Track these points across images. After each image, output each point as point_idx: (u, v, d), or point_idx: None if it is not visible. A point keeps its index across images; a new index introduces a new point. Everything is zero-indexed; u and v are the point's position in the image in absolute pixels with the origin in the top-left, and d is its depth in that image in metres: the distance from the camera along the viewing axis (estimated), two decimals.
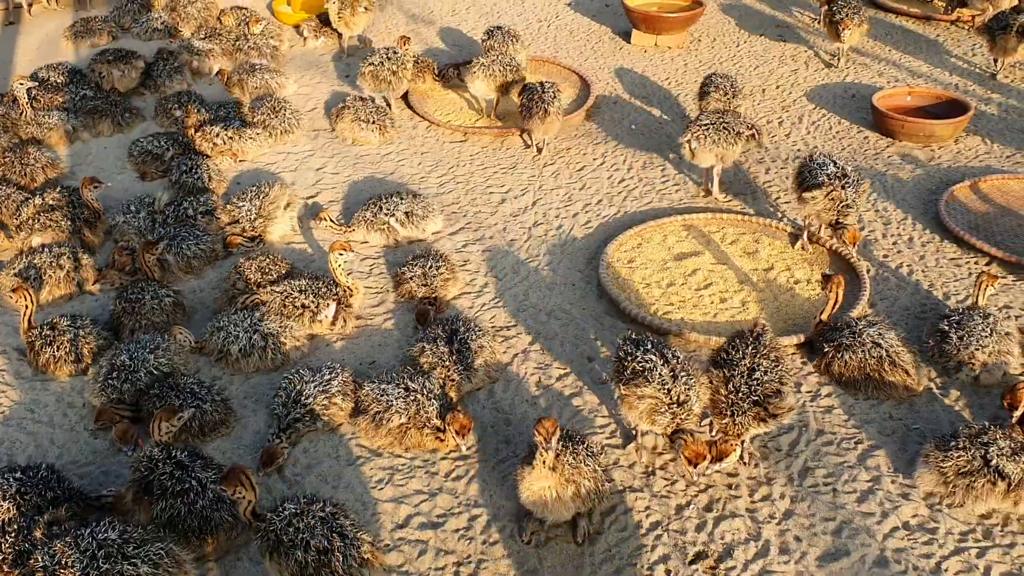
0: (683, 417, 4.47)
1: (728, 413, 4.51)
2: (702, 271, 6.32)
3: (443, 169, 7.74)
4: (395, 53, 8.56)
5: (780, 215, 6.92)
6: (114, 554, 3.63)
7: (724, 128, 6.84)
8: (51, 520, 3.95)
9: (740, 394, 4.47)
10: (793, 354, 5.51)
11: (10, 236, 6.72)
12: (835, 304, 5.39)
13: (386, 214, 6.70)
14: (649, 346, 4.62)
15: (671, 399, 4.46)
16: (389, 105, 8.52)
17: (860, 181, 6.20)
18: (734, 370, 4.52)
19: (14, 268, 6.14)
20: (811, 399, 5.17)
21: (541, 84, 7.69)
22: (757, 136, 6.99)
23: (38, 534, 3.85)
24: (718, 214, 6.88)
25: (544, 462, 4.03)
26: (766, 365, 4.50)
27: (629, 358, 4.60)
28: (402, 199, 6.77)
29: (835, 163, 6.23)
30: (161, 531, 4.12)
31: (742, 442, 4.59)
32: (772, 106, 8.64)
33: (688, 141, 6.89)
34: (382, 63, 8.44)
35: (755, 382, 4.47)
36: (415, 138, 8.27)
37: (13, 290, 5.48)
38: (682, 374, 4.50)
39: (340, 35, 9.94)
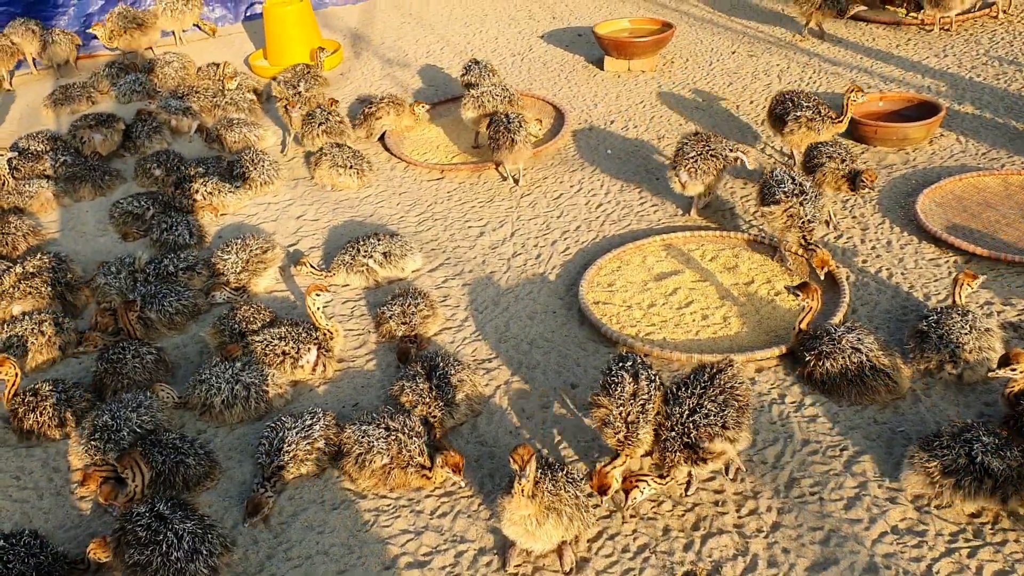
0: (627, 438, 4.46)
1: (660, 448, 4.49)
2: (683, 289, 6.32)
3: (421, 207, 7.78)
4: (327, 114, 8.80)
5: (759, 228, 6.92)
6: None
7: (712, 156, 6.89)
8: None
9: (674, 432, 4.42)
10: (776, 366, 5.49)
11: None
12: (812, 312, 5.38)
13: (364, 256, 6.72)
14: (629, 364, 4.62)
15: (620, 416, 4.47)
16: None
17: (819, 196, 6.23)
18: (678, 407, 4.46)
19: None
20: (795, 409, 5.13)
21: (507, 115, 7.76)
22: (744, 160, 7.03)
23: None
24: (697, 232, 6.88)
25: (522, 490, 4.00)
26: (710, 407, 4.41)
27: (608, 373, 4.65)
28: (380, 240, 6.80)
29: (793, 179, 6.27)
30: None
31: (663, 478, 4.52)
32: (747, 121, 8.67)
33: (678, 175, 6.93)
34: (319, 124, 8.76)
35: (691, 424, 4.39)
36: (393, 179, 8.32)
37: None
38: (643, 397, 4.48)
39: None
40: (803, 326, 5.42)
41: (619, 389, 4.51)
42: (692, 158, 6.89)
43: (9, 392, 5.54)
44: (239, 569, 4.47)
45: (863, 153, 7.83)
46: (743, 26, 11.14)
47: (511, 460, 3.92)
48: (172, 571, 4.13)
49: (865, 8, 10.37)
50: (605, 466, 4.50)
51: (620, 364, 4.64)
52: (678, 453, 4.39)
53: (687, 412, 4.40)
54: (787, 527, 4.41)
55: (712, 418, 4.37)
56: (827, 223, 6.74)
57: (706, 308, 6.11)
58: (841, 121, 7.37)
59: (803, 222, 6.12)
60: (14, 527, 4.83)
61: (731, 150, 7.02)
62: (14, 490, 5.17)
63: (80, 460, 5.20)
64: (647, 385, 4.52)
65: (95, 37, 11.94)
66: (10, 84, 11.43)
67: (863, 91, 7.35)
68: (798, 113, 7.33)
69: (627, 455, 4.52)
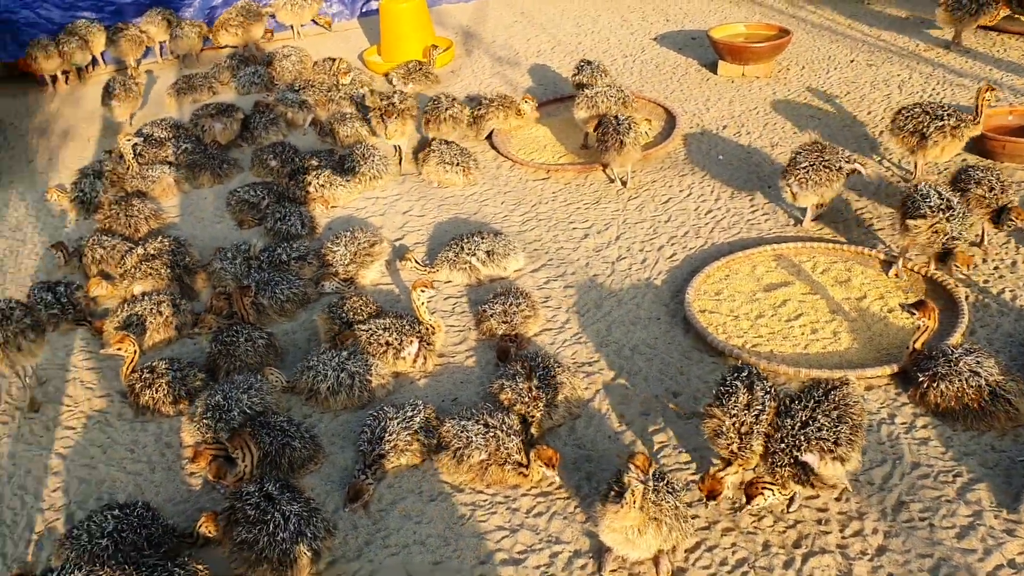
0: (740, 448, 4.39)
1: (768, 464, 4.39)
2: (792, 302, 6.17)
3: (526, 207, 7.81)
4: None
5: (873, 243, 6.71)
6: None
7: (825, 167, 6.71)
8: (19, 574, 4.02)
9: (783, 445, 4.31)
10: (887, 384, 5.31)
11: (113, 283, 7.06)
12: (928, 332, 5.18)
13: (468, 254, 6.78)
14: (744, 375, 4.56)
15: (734, 427, 4.40)
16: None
17: (966, 215, 5.96)
18: (790, 419, 4.35)
19: (118, 316, 6.44)
20: (905, 431, 4.95)
21: (616, 117, 7.71)
22: (862, 172, 6.83)
23: None
24: (809, 243, 6.71)
25: (634, 502, 3.96)
26: (823, 422, 4.28)
27: (722, 383, 4.60)
28: (483, 238, 6.85)
29: (940, 194, 6.02)
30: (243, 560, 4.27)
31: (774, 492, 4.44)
32: (864, 131, 8.41)
33: (789, 184, 6.79)
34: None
35: (802, 437, 4.27)
36: (498, 178, 8.37)
37: (119, 341, 5.74)
38: (757, 408, 4.40)
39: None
40: (918, 346, 5.23)
41: (733, 400, 4.44)
42: (804, 168, 6.72)
43: (128, 368, 5.78)
44: (339, 553, 4.56)
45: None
46: (863, 34, 10.82)
47: (631, 467, 3.87)
48: (277, 551, 4.24)
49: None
50: (719, 471, 4.45)
51: (735, 375, 4.57)
52: (786, 468, 4.29)
53: (798, 425, 4.29)
54: (894, 551, 4.26)
55: (825, 433, 4.24)
56: (978, 244, 6.45)
57: (816, 322, 5.95)
58: (978, 123, 7.07)
59: (947, 239, 5.88)
60: (127, 498, 5.04)
61: (848, 162, 6.83)
62: (128, 462, 5.40)
63: (192, 437, 5.39)
64: (762, 396, 4.44)
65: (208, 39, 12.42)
66: (136, 72, 11.91)
67: (996, 90, 7.04)
68: (941, 123, 7.02)
69: (740, 465, 4.45)
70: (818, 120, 8.75)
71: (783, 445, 4.30)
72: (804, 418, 4.31)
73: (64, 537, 4.59)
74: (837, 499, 4.54)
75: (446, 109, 8.87)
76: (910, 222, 6.00)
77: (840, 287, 6.26)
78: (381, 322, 6.00)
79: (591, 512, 4.57)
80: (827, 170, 6.69)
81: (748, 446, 4.38)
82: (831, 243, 6.70)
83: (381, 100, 8.91)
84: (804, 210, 7.02)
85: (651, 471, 3.95)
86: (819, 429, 4.25)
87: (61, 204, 8.49)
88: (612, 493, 4.10)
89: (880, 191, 7.37)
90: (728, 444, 4.43)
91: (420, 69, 10.56)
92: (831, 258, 6.58)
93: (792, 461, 4.27)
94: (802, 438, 4.26)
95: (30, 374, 5.96)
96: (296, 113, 9.84)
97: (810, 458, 4.21)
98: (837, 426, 4.26)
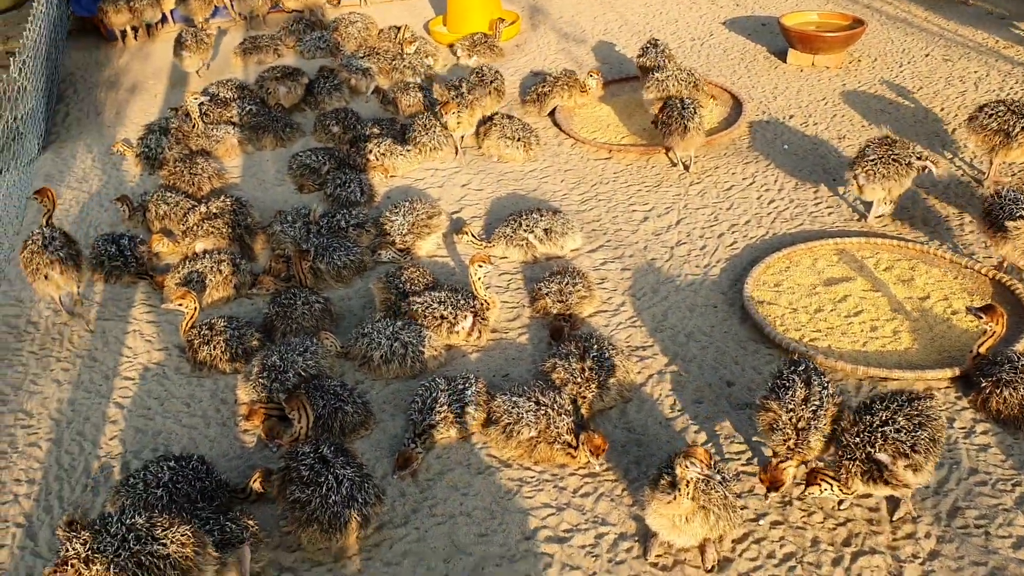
0: (796, 444, 4.36)
1: (839, 455, 4.33)
2: (853, 297, 6.07)
3: (585, 186, 7.76)
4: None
5: (939, 242, 6.56)
6: (143, 536, 3.74)
7: (894, 161, 6.56)
8: (70, 520, 4.09)
9: (858, 439, 4.24)
10: (946, 388, 5.21)
11: (175, 240, 7.17)
12: (995, 337, 5.06)
13: (525, 230, 6.76)
14: (802, 369, 4.52)
15: (790, 422, 4.37)
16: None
17: None
18: (869, 416, 4.28)
19: (179, 272, 6.54)
20: (964, 435, 4.86)
21: (681, 100, 7.61)
22: (932, 170, 6.67)
23: (60, 533, 3.98)
24: (872, 239, 6.58)
25: (688, 494, 3.94)
26: (903, 424, 4.19)
27: (778, 376, 4.56)
28: (542, 216, 6.82)
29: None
30: (294, 519, 4.35)
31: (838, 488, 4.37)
32: (936, 128, 8.21)
33: (856, 177, 6.66)
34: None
35: (879, 435, 4.19)
36: (559, 155, 8.32)
37: (180, 296, 5.83)
38: (814, 404, 4.36)
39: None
40: (982, 350, 5.12)
41: (790, 394, 4.41)
42: (873, 161, 6.59)
43: (187, 323, 5.87)
44: (386, 519, 4.61)
45: None
46: (940, 27, 10.54)
47: (692, 461, 3.84)
48: (328, 514, 4.29)
49: None
50: (781, 462, 4.41)
51: (792, 368, 4.52)
52: (856, 464, 4.22)
53: (878, 423, 4.22)
54: (947, 557, 4.19)
55: (903, 435, 4.16)
56: None
57: (876, 319, 5.85)
58: None
59: None
60: (182, 450, 5.13)
61: (918, 158, 6.67)
62: (184, 416, 5.50)
63: (247, 395, 5.46)
64: (819, 391, 4.39)
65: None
66: (207, 25, 12.02)
67: None
68: None
69: (799, 459, 4.41)
70: (889, 114, 8.56)
71: (858, 440, 4.23)
72: (884, 418, 4.22)
73: (120, 485, 4.69)
74: (895, 512, 4.47)
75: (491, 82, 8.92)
76: (1011, 224, 5.83)
77: (903, 286, 6.14)
78: (436, 295, 6.02)
79: (638, 496, 4.57)
80: (896, 164, 6.55)
81: (805, 441, 4.33)
82: (896, 240, 6.56)
83: (449, 91, 8.87)
84: (869, 205, 6.89)
85: (711, 465, 3.92)
86: (898, 431, 4.18)
87: (127, 158, 8.62)
88: (663, 480, 4.08)
89: (949, 190, 7.20)
90: (784, 440, 4.38)
91: (485, 42, 10.52)
92: (895, 255, 6.46)
93: (864, 457, 4.20)
94: (879, 436, 4.19)
95: (71, 301, 6.30)
96: (359, 80, 9.87)
97: (883, 457, 4.14)
98: (916, 432, 4.17)
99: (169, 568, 3.70)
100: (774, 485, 4.43)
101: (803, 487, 4.41)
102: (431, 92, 9.36)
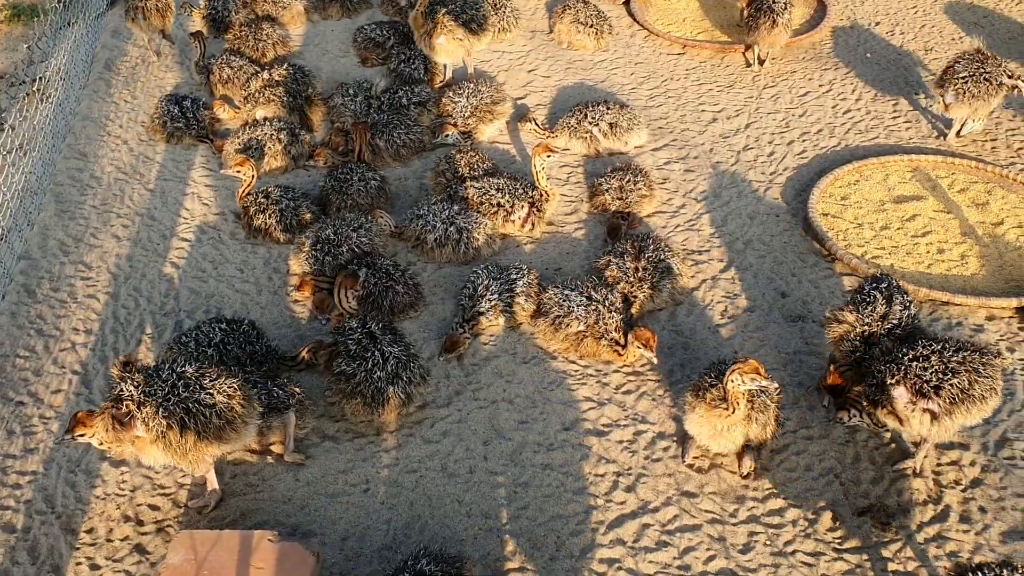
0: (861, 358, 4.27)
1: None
2: (922, 217, 5.86)
3: (655, 81, 7.52)
4: None
5: (1022, 166, 6.28)
6: (192, 385, 3.84)
7: (984, 80, 6.23)
8: (126, 360, 4.19)
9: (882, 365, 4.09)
10: (1011, 318, 5.06)
11: (236, 107, 7.12)
12: None
13: (590, 123, 6.60)
14: (884, 286, 4.40)
15: (860, 333, 4.29)
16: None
17: None
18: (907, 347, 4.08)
19: (239, 138, 6.52)
20: (1022, 368, 4.74)
21: None
22: (1023, 89, 6.33)
23: (115, 372, 4.10)
24: (950, 158, 6.32)
25: (740, 406, 3.92)
26: (936, 365, 3.94)
27: (860, 291, 4.46)
28: (608, 109, 6.65)
29: None
30: (339, 391, 4.43)
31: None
32: None
33: (944, 94, 6.35)
34: None
35: (904, 367, 3.98)
36: (631, 47, 8.05)
37: (240, 163, 5.83)
38: (892, 322, 4.25)
39: None
40: None
41: (870, 308, 4.31)
42: (963, 78, 6.26)
43: (244, 190, 5.88)
44: (429, 399, 4.67)
45: None
46: None
47: (752, 374, 3.81)
48: (372, 389, 4.36)
49: None
50: (840, 366, 4.35)
51: (875, 285, 4.41)
52: (871, 388, 4.11)
53: (910, 356, 3.99)
54: (989, 486, 4.14)
55: (928, 374, 3.93)
56: None
57: (944, 241, 5.66)
58: None
59: None
60: (234, 314, 5.21)
61: (1009, 76, 6.32)
62: (237, 281, 5.56)
63: (299, 267, 5.50)
64: (900, 311, 4.30)
65: None
66: None
67: None
68: None
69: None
70: (982, 28, 8.10)
71: (881, 365, 4.08)
72: (921, 352, 3.99)
73: (173, 342, 4.79)
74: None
75: None
76: None
77: (976, 209, 5.92)
78: (495, 181, 5.94)
79: (680, 398, 4.55)
80: (987, 83, 6.22)
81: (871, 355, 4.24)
82: (975, 161, 6.29)
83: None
84: (950, 122, 6.59)
85: (765, 378, 3.87)
86: (925, 369, 3.95)
87: (194, 19, 8.53)
88: (711, 392, 4.04)
89: None
90: (854, 351, 4.30)
91: None
92: (972, 177, 6.20)
93: (878, 383, 4.04)
94: (901, 368, 3.97)
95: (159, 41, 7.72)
96: None
97: (898, 393, 3.98)
98: (947, 376, 3.92)
99: (215, 417, 3.81)
100: (834, 389, 4.35)
101: (832, 410, 4.35)
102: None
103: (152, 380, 3.81)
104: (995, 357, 4.05)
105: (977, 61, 6.34)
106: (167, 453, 3.81)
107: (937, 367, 3.93)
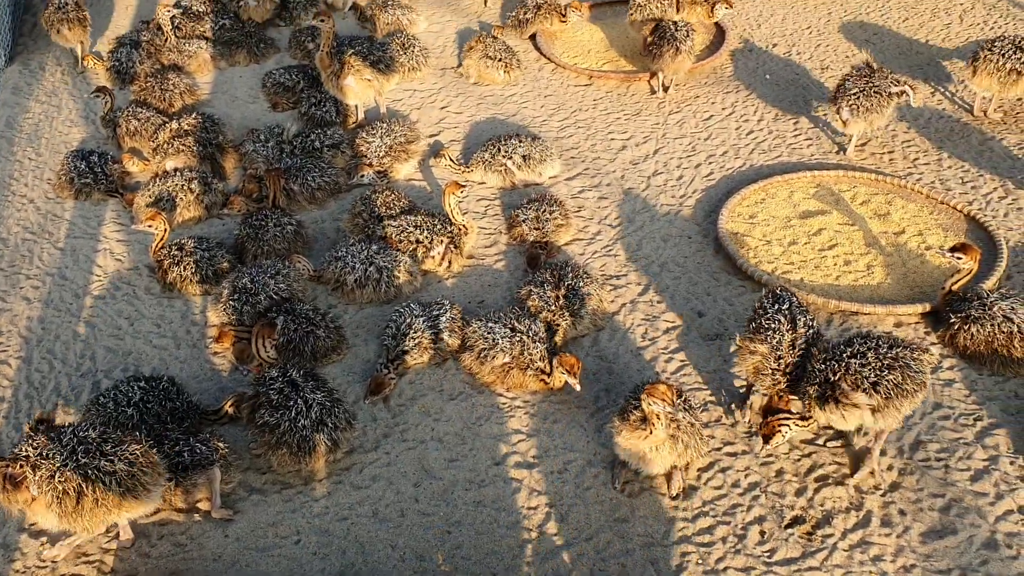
0: (786, 388, 4.36)
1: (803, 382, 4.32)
2: (828, 231, 6.07)
3: (565, 112, 7.65)
4: None
5: (918, 176, 6.56)
6: (92, 451, 3.77)
7: (876, 93, 6.51)
8: (41, 418, 4.14)
9: (822, 366, 4.20)
10: (917, 323, 5.26)
11: (145, 160, 7.02)
12: (969, 276, 5.09)
13: (504, 156, 6.69)
14: (786, 307, 4.42)
15: (779, 368, 4.34)
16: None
17: None
18: (843, 347, 4.22)
19: (150, 190, 6.42)
20: (931, 371, 4.92)
21: (674, 22, 7.49)
22: (910, 95, 6.62)
23: (27, 429, 4.05)
24: (851, 172, 6.57)
25: (660, 427, 3.98)
26: (872, 361, 4.11)
27: (760, 312, 4.48)
28: (521, 142, 6.74)
29: None
30: (264, 442, 4.39)
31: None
32: (919, 61, 8.13)
33: (839, 111, 6.60)
34: None
35: (843, 367, 4.12)
36: (539, 80, 8.19)
37: (151, 217, 5.73)
38: (801, 346, 4.32)
39: None
40: (954, 287, 5.15)
41: (776, 336, 4.34)
42: (855, 94, 6.53)
43: (157, 244, 5.79)
44: (356, 444, 4.64)
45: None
46: None
47: (655, 399, 3.89)
48: (298, 437, 4.31)
49: None
50: (778, 416, 4.39)
51: (776, 306, 4.43)
52: (814, 387, 4.19)
53: (848, 354, 4.13)
54: (907, 489, 4.29)
55: (867, 371, 4.07)
56: None
57: (850, 253, 5.87)
58: None
59: None
60: (153, 371, 5.12)
61: (897, 83, 6.62)
62: (155, 337, 5.46)
63: (217, 318, 5.43)
64: (804, 332, 4.35)
65: None
66: None
67: None
68: None
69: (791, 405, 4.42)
70: (873, 45, 8.47)
71: (822, 366, 4.18)
72: (856, 350, 4.13)
73: (91, 403, 4.68)
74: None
75: None
76: None
77: (878, 220, 6.15)
78: (413, 219, 5.96)
79: (607, 424, 4.60)
80: (878, 96, 6.50)
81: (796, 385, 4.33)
82: (874, 173, 6.55)
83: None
84: (849, 138, 6.85)
85: (676, 400, 3.96)
86: (863, 365, 4.10)
87: (97, 72, 8.40)
88: (634, 414, 4.11)
89: (930, 124, 7.17)
90: (774, 384, 4.36)
91: None
92: (872, 189, 6.46)
93: (823, 380, 4.15)
94: (841, 367, 4.11)
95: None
96: None
97: (844, 387, 4.12)
98: (884, 373, 4.07)
99: (115, 484, 3.75)
100: (767, 437, 4.40)
101: (761, 443, 4.43)
102: (409, 11, 9.12)
103: (52, 442, 3.74)
104: (926, 352, 4.26)
105: (865, 76, 6.62)
106: (61, 518, 3.76)
107: (873, 363, 4.08)
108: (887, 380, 4.06)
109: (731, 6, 8.48)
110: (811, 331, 4.38)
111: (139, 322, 5.56)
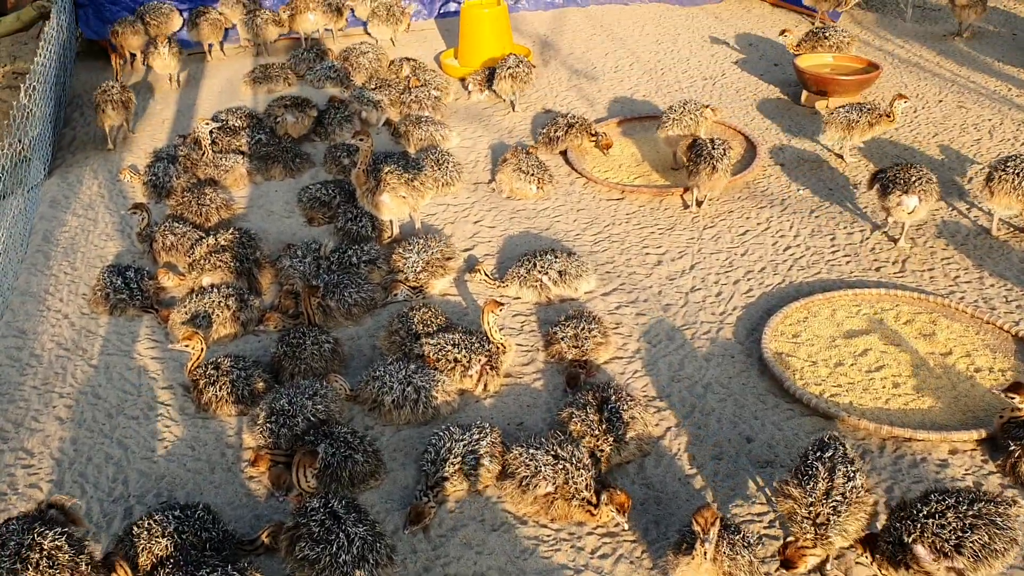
0: (815, 538, 4.17)
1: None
2: (874, 351, 5.95)
3: (598, 227, 7.66)
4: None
5: (960, 295, 6.47)
6: None
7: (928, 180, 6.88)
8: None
9: (898, 524, 4.07)
10: (973, 450, 5.09)
11: (181, 275, 7.03)
12: None
13: (540, 272, 6.65)
14: (828, 455, 4.25)
15: (809, 516, 4.17)
16: None
17: None
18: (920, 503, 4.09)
19: (186, 307, 6.40)
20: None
21: (711, 140, 7.54)
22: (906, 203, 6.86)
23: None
24: (892, 290, 6.48)
25: (704, 554, 3.82)
26: (953, 522, 3.94)
27: (803, 460, 4.32)
28: (556, 257, 6.72)
29: None
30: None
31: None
32: (951, 175, 8.14)
33: (902, 200, 6.85)
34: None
35: (920, 526, 3.98)
36: (571, 194, 8.23)
37: (187, 337, 5.69)
38: (836, 498, 4.13)
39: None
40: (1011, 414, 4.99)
41: (812, 483, 4.18)
42: (917, 181, 6.82)
43: (193, 364, 5.73)
44: None
45: None
46: (952, 74, 10.51)
47: (694, 522, 3.76)
48: (338, 573, 4.14)
49: None
50: (803, 545, 4.21)
51: (818, 454, 4.28)
52: (887, 547, 4.04)
53: (925, 513, 3.97)
54: None
55: (947, 533, 3.90)
56: None
57: (898, 375, 5.73)
58: None
59: None
60: (187, 497, 4.98)
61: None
62: (189, 460, 5.34)
63: (254, 440, 5.32)
64: (843, 483, 4.16)
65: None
66: (222, 52, 11.96)
67: None
68: None
69: (823, 549, 4.22)
70: (903, 160, 8.48)
71: (897, 524, 4.03)
72: (933, 509, 3.98)
73: (124, 534, 4.54)
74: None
75: None
76: None
77: (924, 340, 6.03)
78: (450, 337, 5.89)
79: (659, 559, 4.42)
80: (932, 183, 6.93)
81: (825, 538, 4.12)
82: (916, 292, 6.46)
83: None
84: (888, 256, 6.81)
85: (714, 529, 3.80)
86: (942, 526, 3.90)
87: (134, 186, 8.51)
88: (684, 544, 3.98)
89: (968, 241, 7.12)
90: (803, 533, 4.19)
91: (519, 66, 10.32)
92: (915, 308, 6.35)
93: (895, 541, 4.02)
94: (918, 526, 3.95)
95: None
96: (371, 112, 9.78)
97: (920, 551, 3.94)
98: (967, 533, 3.89)
99: None
100: (787, 563, 4.23)
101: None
102: (442, 127, 9.26)
103: None
104: (1015, 505, 4.06)
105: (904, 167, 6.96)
106: None
107: (954, 523, 3.91)
108: (971, 541, 3.86)
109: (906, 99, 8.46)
110: (850, 483, 4.18)
111: (173, 444, 5.45)
